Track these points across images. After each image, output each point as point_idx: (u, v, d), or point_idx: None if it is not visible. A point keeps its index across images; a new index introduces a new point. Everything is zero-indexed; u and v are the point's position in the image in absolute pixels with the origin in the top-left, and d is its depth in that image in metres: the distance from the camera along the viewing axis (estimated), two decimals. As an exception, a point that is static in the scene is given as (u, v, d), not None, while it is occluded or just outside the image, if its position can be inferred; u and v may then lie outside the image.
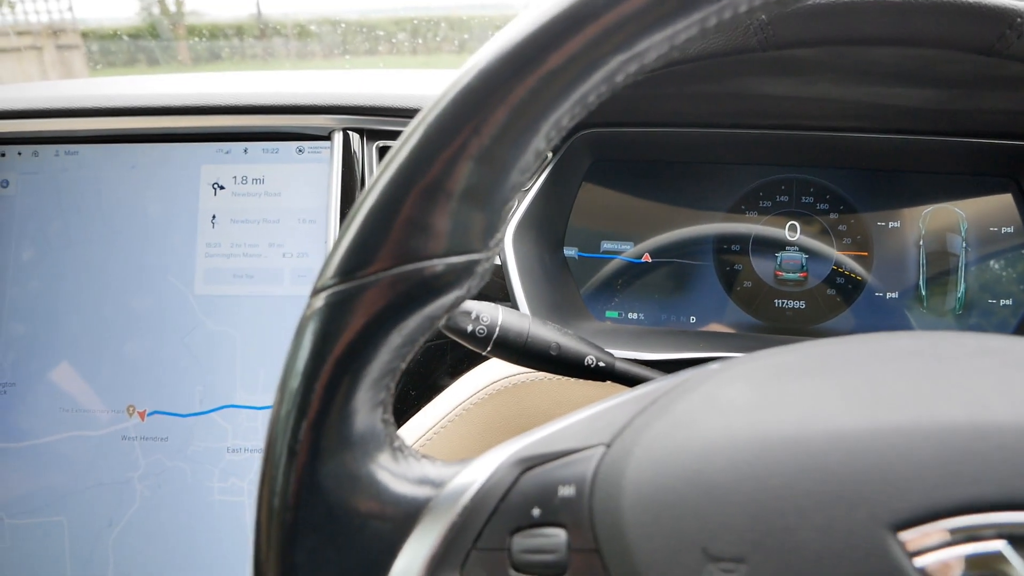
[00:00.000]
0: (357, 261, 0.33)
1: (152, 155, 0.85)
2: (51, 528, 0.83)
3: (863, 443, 0.28)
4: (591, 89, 0.34)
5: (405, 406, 0.81)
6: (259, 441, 0.81)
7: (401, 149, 0.33)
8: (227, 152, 0.84)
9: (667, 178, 0.83)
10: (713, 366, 0.37)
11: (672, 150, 0.82)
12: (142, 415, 0.82)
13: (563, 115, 0.34)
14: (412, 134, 0.33)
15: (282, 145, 0.83)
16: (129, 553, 0.81)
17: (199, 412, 0.82)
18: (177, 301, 0.83)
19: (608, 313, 0.84)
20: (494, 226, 0.34)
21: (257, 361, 0.82)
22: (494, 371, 0.75)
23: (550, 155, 0.80)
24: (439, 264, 0.33)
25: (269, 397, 0.82)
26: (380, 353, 0.34)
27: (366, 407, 0.34)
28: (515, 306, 0.75)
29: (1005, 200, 0.78)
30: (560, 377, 0.73)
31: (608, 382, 0.73)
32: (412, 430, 0.73)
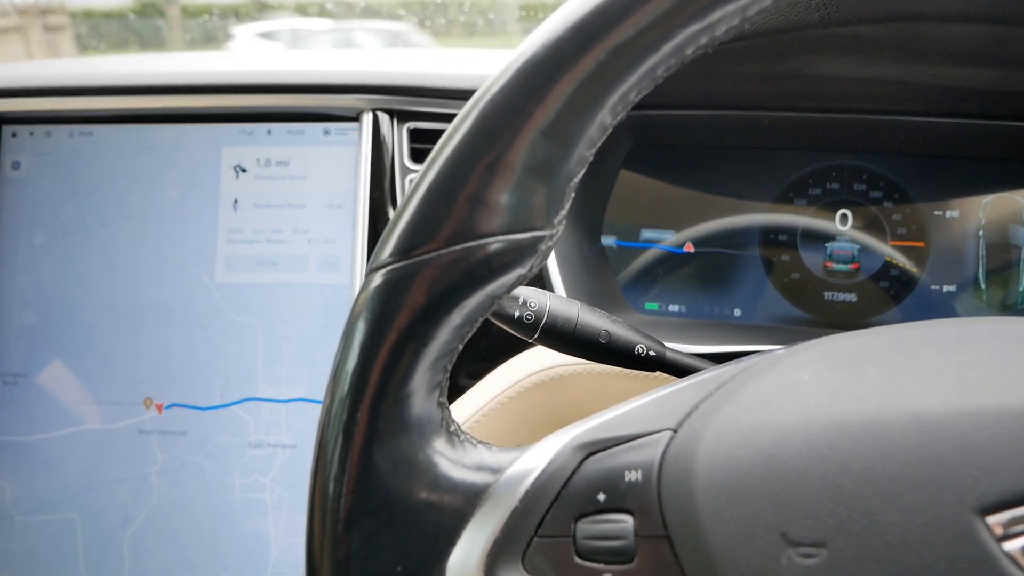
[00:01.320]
0: (418, 238, 0.34)
1: (171, 136, 0.86)
2: (63, 526, 0.84)
3: (947, 425, 0.29)
4: (660, 62, 0.35)
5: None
6: (283, 436, 0.82)
7: (463, 122, 0.34)
8: (250, 133, 0.85)
9: (711, 164, 0.84)
10: (779, 351, 0.38)
11: (717, 134, 0.83)
12: (160, 408, 0.84)
13: (631, 88, 0.35)
14: (475, 107, 0.34)
15: (308, 126, 0.85)
16: (145, 552, 0.83)
17: (220, 405, 0.83)
18: (197, 289, 0.84)
19: (648, 305, 0.85)
20: (558, 202, 0.35)
21: (281, 352, 0.83)
22: (529, 364, 0.76)
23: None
24: (502, 241, 0.34)
25: (294, 390, 0.84)
26: (440, 333, 0.35)
27: (423, 389, 0.35)
28: (553, 296, 0.76)
29: (1071, 189, 0.78)
30: (597, 371, 0.75)
31: (645, 377, 0.74)
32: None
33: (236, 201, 0.85)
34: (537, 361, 0.75)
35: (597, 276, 0.83)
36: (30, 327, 0.87)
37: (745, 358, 0.39)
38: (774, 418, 0.32)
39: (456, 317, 0.35)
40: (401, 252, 0.34)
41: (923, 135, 0.78)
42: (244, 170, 0.85)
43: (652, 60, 0.34)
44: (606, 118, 0.35)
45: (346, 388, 0.35)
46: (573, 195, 0.36)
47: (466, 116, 0.35)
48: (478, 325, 0.37)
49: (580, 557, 0.33)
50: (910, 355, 0.33)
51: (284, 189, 0.84)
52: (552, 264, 0.77)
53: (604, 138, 0.36)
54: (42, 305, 0.87)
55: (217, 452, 0.83)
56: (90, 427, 0.85)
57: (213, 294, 0.84)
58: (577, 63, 0.33)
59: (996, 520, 0.27)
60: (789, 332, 0.81)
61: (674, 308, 0.84)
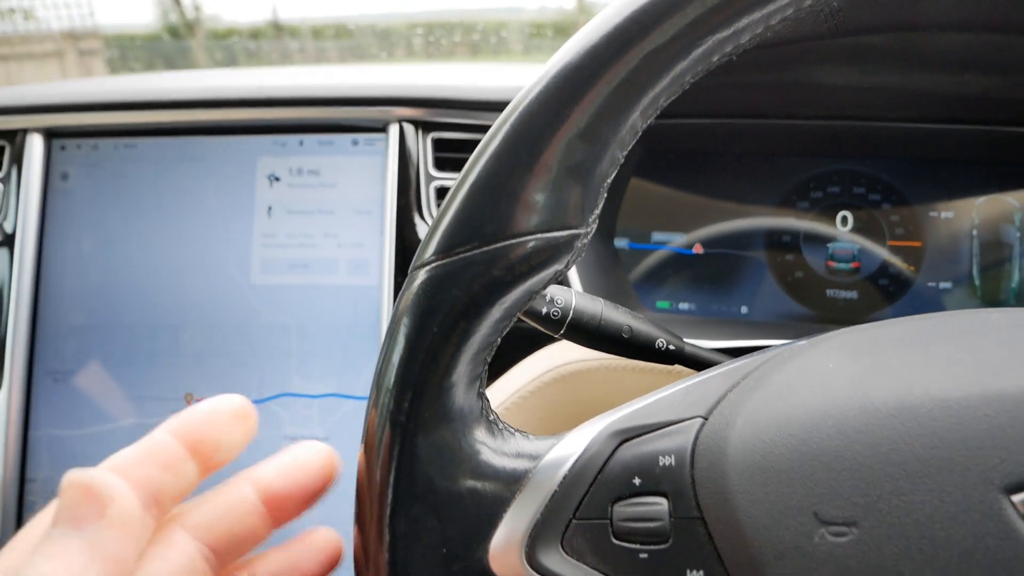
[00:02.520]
0: (460, 236, 0.34)
1: (209, 148, 0.86)
2: (110, 514, 0.84)
3: (972, 409, 0.29)
4: (688, 67, 0.34)
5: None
6: (315, 429, 0.82)
7: (503, 126, 0.34)
8: (283, 144, 0.85)
9: (718, 170, 0.84)
10: (801, 342, 0.37)
11: (724, 141, 0.82)
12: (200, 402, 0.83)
13: (661, 93, 0.34)
14: (515, 111, 0.34)
15: (337, 137, 0.85)
16: (187, 538, 0.83)
17: (256, 400, 0.83)
18: (233, 291, 0.84)
19: (659, 303, 0.84)
20: (593, 201, 0.35)
21: (313, 350, 0.83)
22: (549, 359, 0.75)
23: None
24: (541, 239, 0.34)
25: (325, 385, 0.84)
26: (481, 326, 0.35)
27: (465, 380, 0.35)
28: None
29: (1060, 190, 0.78)
30: (614, 365, 0.74)
31: (661, 371, 0.73)
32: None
33: (270, 208, 0.85)
34: (556, 356, 0.75)
35: (611, 276, 0.82)
36: (78, 327, 0.87)
37: (766, 350, 0.38)
38: (803, 404, 0.32)
39: (496, 311, 0.35)
40: (444, 250, 0.34)
41: (919, 140, 0.77)
42: (278, 179, 0.85)
43: (682, 66, 0.34)
44: (638, 122, 0.35)
45: (392, 379, 0.35)
46: (606, 194, 0.36)
47: (506, 120, 0.34)
48: (515, 319, 0.37)
49: (617, 539, 0.33)
50: (925, 344, 0.33)
51: (315, 196, 0.84)
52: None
53: (635, 140, 0.35)
54: (89, 307, 0.87)
55: (254, 444, 0.82)
56: (133, 422, 0.85)
57: (249, 295, 0.84)
58: (612, 68, 0.33)
59: (1021, 498, 0.27)
60: (793, 328, 0.80)
61: (684, 306, 0.84)
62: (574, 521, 0.34)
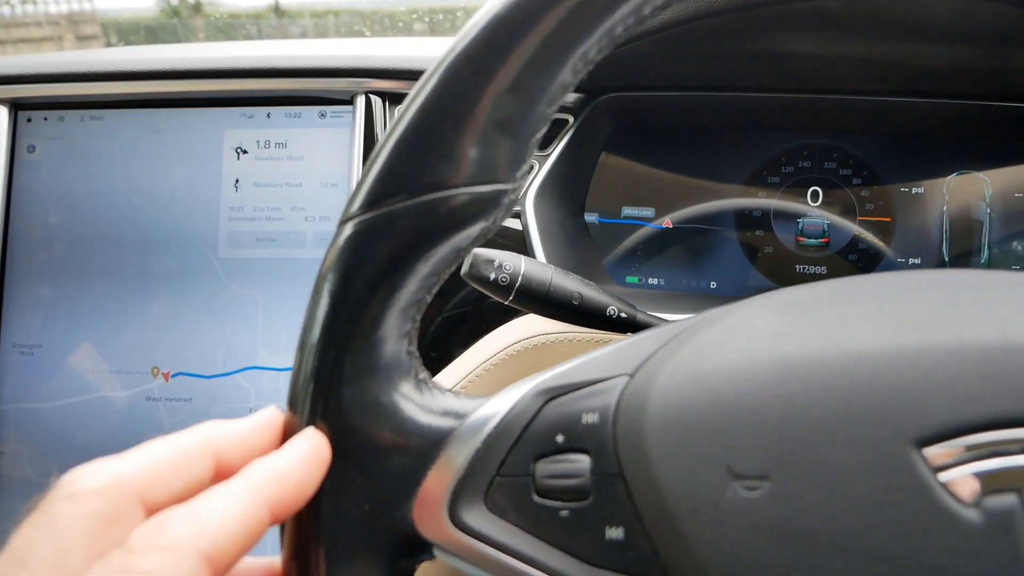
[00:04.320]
0: (385, 190, 0.34)
1: (176, 120, 0.86)
2: (77, 488, 0.84)
3: (888, 362, 0.28)
4: (619, 20, 0.34)
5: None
6: (282, 402, 0.81)
7: (430, 79, 0.34)
8: (250, 117, 0.84)
9: (689, 144, 0.83)
10: (741, 301, 0.37)
11: (693, 115, 0.82)
12: (166, 376, 0.83)
13: (591, 47, 0.34)
14: (441, 64, 0.34)
15: (304, 109, 0.84)
16: (153, 512, 0.82)
17: (222, 373, 0.83)
18: (201, 264, 0.84)
19: (629, 278, 0.84)
20: (521, 157, 0.35)
21: (279, 323, 0.82)
22: (512, 333, 0.75)
23: (571, 119, 0.80)
24: (466, 193, 0.33)
25: (291, 359, 0.83)
26: (408, 282, 0.34)
27: (392, 336, 0.35)
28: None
29: (1031, 166, 0.77)
30: (579, 338, 0.74)
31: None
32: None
33: (237, 181, 0.84)
34: (522, 329, 0.75)
35: (580, 251, 0.82)
36: (45, 301, 0.86)
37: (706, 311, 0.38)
38: (724, 360, 0.31)
39: (423, 267, 0.34)
40: (369, 204, 0.34)
41: (889, 114, 0.77)
42: (245, 151, 0.84)
43: (611, 19, 0.33)
44: (567, 77, 0.34)
45: (316, 335, 0.34)
46: (536, 151, 0.35)
47: (433, 73, 0.34)
48: (445, 277, 0.36)
49: (539, 495, 0.32)
50: (856, 301, 0.33)
51: (282, 169, 0.84)
52: (536, 238, 0.76)
53: (566, 95, 0.35)
54: (56, 280, 0.86)
55: (220, 417, 0.81)
56: (101, 395, 0.85)
57: (216, 269, 0.83)
58: (539, 21, 0.32)
59: (932, 452, 0.27)
60: (762, 303, 0.80)
61: (654, 281, 0.84)
62: (497, 478, 0.33)
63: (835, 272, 0.80)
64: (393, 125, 0.34)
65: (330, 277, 0.34)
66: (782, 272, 0.81)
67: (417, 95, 0.34)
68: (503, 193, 0.34)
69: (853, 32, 0.62)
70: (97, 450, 0.83)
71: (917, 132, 0.78)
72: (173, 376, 0.83)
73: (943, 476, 0.27)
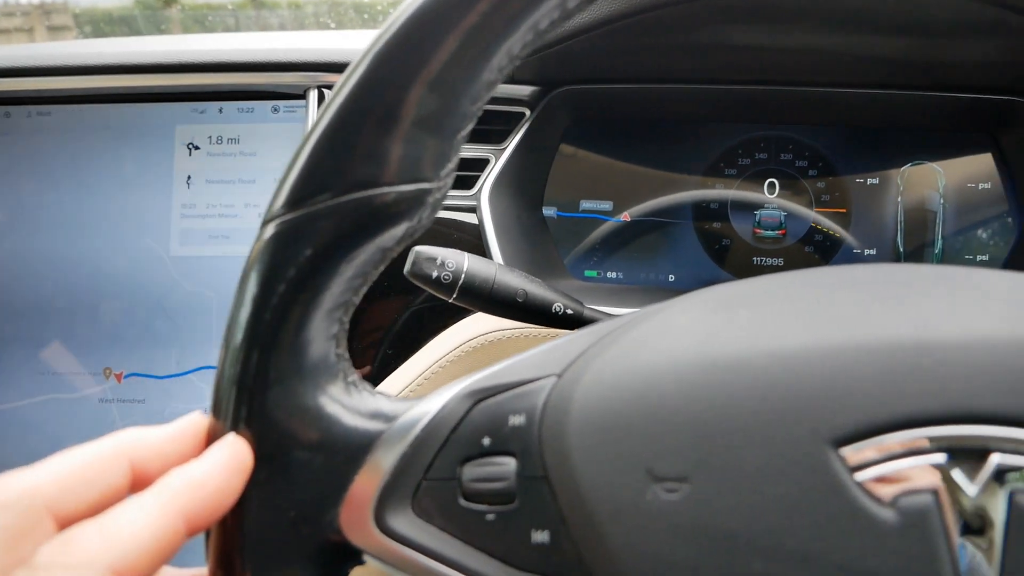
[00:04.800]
0: (306, 190, 0.33)
1: (126, 115, 0.84)
2: (30, 491, 0.83)
3: (806, 361, 0.28)
4: (544, 15, 0.33)
5: (383, 366, 0.81)
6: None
7: (351, 75, 0.33)
8: (202, 112, 0.83)
9: (646, 136, 0.83)
10: (674, 299, 0.37)
11: (650, 107, 0.81)
12: (119, 377, 0.82)
13: (515, 43, 0.33)
14: (362, 60, 0.33)
15: (257, 104, 0.83)
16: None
17: (176, 374, 0.82)
18: (153, 262, 0.83)
19: (587, 272, 0.84)
20: (445, 155, 0.34)
21: (233, 321, 0.81)
22: (468, 329, 0.74)
23: (527, 112, 0.80)
24: (389, 192, 0.33)
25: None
26: (331, 284, 0.34)
27: (318, 339, 0.34)
28: (491, 264, 0.74)
29: (983, 157, 0.78)
30: (534, 334, 0.74)
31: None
32: (388, 388, 0.73)
33: (189, 177, 0.83)
34: (476, 327, 0.74)
35: (537, 246, 0.81)
36: (-6, 301, 0.85)
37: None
38: (647, 360, 0.31)
39: (347, 269, 0.34)
40: (291, 204, 0.33)
41: (844, 105, 0.77)
42: (197, 147, 0.83)
43: (535, 14, 0.33)
44: (492, 74, 0.34)
45: (239, 338, 0.34)
46: (462, 149, 0.35)
47: (354, 70, 0.33)
48: (374, 277, 0.36)
49: (465, 499, 0.32)
50: (782, 298, 0.32)
51: (235, 165, 0.83)
52: (491, 233, 0.75)
53: (491, 93, 0.34)
54: (4, 279, 0.85)
55: (174, 418, 0.79)
56: (53, 397, 0.83)
57: (168, 267, 0.82)
58: (460, 17, 0.32)
59: (849, 452, 0.27)
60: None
61: (612, 275, 0.83)
62: (424, 482, 0.33)
63: (792, 264, 0.80)
64: (315, 123, 0.34)
65: (252, 279, 0.34)
66: (740, 264, 0.81)
67: (338, 92, 0.33)
68: (427, 192, 0.34)
69: (801, 24, 0.61)
70: (47, 454, 0.82)
71: (871, 123, 0.78)
72: (126, 377, 0.82)
73: (860, 476, 0.26)
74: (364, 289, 0.35)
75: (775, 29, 0.63)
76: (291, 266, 0.33)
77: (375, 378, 0.81)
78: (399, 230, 0.34)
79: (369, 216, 0.33)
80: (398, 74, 0.32)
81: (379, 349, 0.81)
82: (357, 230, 0.33)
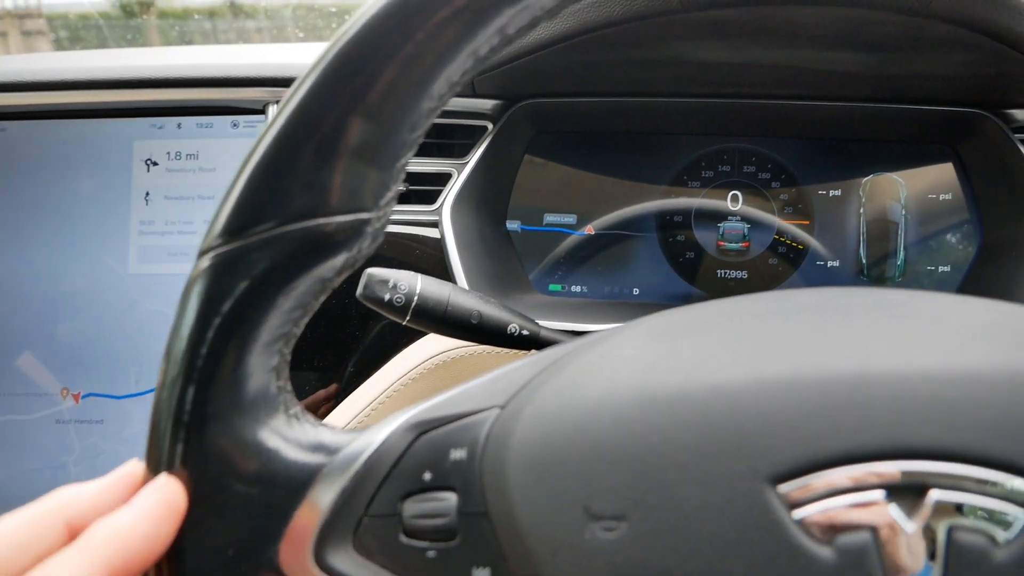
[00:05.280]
0: (242, 221, 0.32)
1: (83, 131, 0.83)
2: (-14, 514, 0.81)
3: (744, 395, 0.28)
4: (482, 42, 0.33)
5: (345, 384, 0.80)
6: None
7: (288, 104, 0.32)
8: (160, 127, 0.82)
9: (610, 149, 0.83)
10: (620, 326, 0.36)
11: (613, 120, 0.81)
12: (76, 397, 0.81)
13: (454, 70, 0.33)
14: (299, 88, 0.32)
15: (216, 119, 0.82)
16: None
17: (135, 393, 0.81)
18: (111, 280, 0.81)
19: (552, 286, 0.83)
20: (385, 185, 0.33)
21: (193, 340, 0.80)
22: (431, 346, 0.74)
23: (490, 126, 0.79)
24: (326, 223, 0.32)
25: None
26: (269, 317, 0.33)
27: (257, 372, 0.33)
28: (453, 282, 0.74)
29: (944, 168, 0.78)
30: (496, 351, 0.73)
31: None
32: (348, 408, 0.72)
33: (148, 194, 0.82)
34: (437, 344, 0.74)
35: (501, 261, 0.81)
36: (-51, 321, 0.83)
37: (592, 334, 0.37)
38: (587, 393, 0.30)
39: (284, 301, 0.33)
40: (226, 235, 0.32)
41: (806, 118, 0.77)
42: (155, 163, 0.82)
43: (473, 42, 0.32)
44: (431, 102, 0.33)
45: (174, 374, 0.33)
46: (403, 177, 0.34)
47: (291, 96, 0.33)
48: (315, 308, 0.35)
49: (407, 535, 0.31)
50: (726, 327, 0.32)
51: (194, 181, 0.81)
52: (453, 249, 0.75)
53: (431, 121, 0.34)
54: (-40, 300, 0.83)
55: (134, 439, 0.80)
56: (7, 418, 0.82)
57: (127, 285, 0.81)
58: (395, 46, 0.31)
59: (787, 488, 0.26)
60: (684, 309, 0.80)
61: (577, 289, 0.83)
62: (365, 518, 0.32)
63: (756, 276, 0.80)
64: (250, 153, 0.33)
65: (187, 312, 0.33)
66: (704, 277, 0.81)
67: (274, 123, 0.33)
68: (366, 222, 0.33)
69: (757, 40, 0.61)
70: (3, 476, 0.81)
71: (833, 135, 0.78)
72: (84, 397, 0.81)
73: (798, 513, 0.26)
74: (305, 320, 0.35)
75: (732, 45, 0.62)
76: (227, 299, 0.32)
77: (344, 392, 0.81)
78: (338, 260, 0.33)
79: (307, 247, 0.32)
80: (333, 104, 0.32)
81: (345, 366, 0.80)
82: (294, 261, 0.32)
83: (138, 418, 0.80)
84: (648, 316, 0.36)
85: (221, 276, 0.32)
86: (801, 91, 0.74)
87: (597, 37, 0.62)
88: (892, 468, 0.26)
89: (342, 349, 0.81)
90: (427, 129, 0.34)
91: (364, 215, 0.33)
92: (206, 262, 0.33)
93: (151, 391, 0.80)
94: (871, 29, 0.57)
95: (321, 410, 0.83)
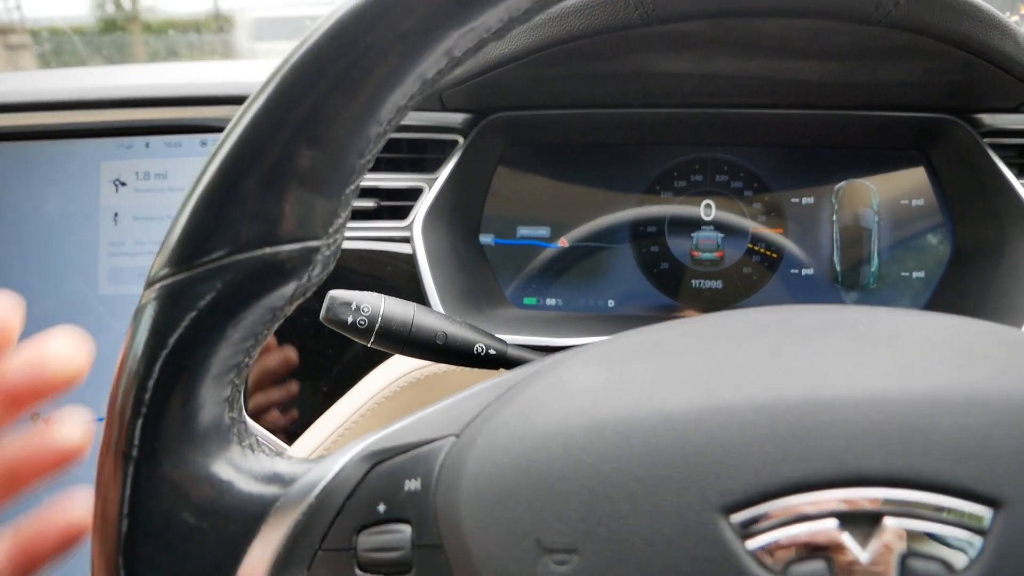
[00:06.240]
0: (188, 251, 0.32)
1: (50, 152, 0.82)
2: (-42, 542, 0.80)
3: (694, 423, 0.27)
4: (429, 66, 0.32)
5: (317, 402, 0.80)
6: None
7: (232, 131, 0.32)
8: (128, 147, 0.81)
9: (582, 161, 0.82)
10: (577, 349, 0.36)
11: (584, 132, 0.81)
12: (47, 422, 0.80)
13: (401, 95, 0.32)
14: (244, 115, 0.32)
15: (185, 138, 0.81)
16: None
17: (107, 417, 0.80)
18: (80, 303, 0.80)
19: (526, 300, 0.83)
20: (334, 212, 0.33)
21: (165, 362, 0.79)
22: (405, 363, 0.73)
23: (460, 140, 0.79)
24: (275, 252, 0.32)
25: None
26: (218, 348, 0.32)
27: (208, 405, 0.33)
28: (426, 298, 0.73)
29: (916, 173, 0.78)
30: (471, 368, 0.72)
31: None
32: (320, 428, 0.71)
33: (116, 215, 0.81)
34: (409, 362, 0.73)
35: (474, 275, 0.80)
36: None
37: (548, 357, 0.37)
38: (539, 422, 0.30)
39: (234, 332, 0.32)
40: (172, 266, 0.32)
41: (775, 127, 0.77)
42: (124, 183, 0.81)
43: (419, 66, 0.32)
44: (378, 127, 0.32)
45: (120, 408, 0.32)
46: (351, 204, 0.34)
47: (236, 123, 0.32)
48: (266, 337, 0.34)
49: (361, 569, 0.31)
50: (680, 351, 0.32)
51: (164, 201, 0.81)
52: (424, 265, 0.74)
53: (379, 147, 0.33)
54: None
55: (106, 463, 0.79)
56: (-21, 444, 0.80)
57: (97, 307, 0.80)
58: (338, 71, 0.31)
59: (739, 518, 0.26)
60: (660, 320, 0.79)
61: (551, 302, 0.83)
62: (320, 552, 0.32)
63: (730, 285, 0.80)
64: (195, 181, 0.32)
65: (134, 346, 0.32)
66: (678, 288, 0.81)
67: (219, 149, 0.32)
68: (315, 250, 0.32)
69: (722, 51, 0.61)
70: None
71: (803, 143, 0.78)
72: (55, 421, 0.80)
73: (751, 544, 0.26)
74: (257, 350, 0.34)
75: (697, 56, 0.62)
76: (174, 331, 0.32)
77: (316, 413, 0.80)
78: (288, 289, 0.33)
79: (255, 276, 0.32)
80: (278, 132, 0.31)
81: (319, 385, 0.79)
82: (243, 291, 0.32)
83: (110, 442, 0.79)
84: (605, 339, 0.35)
85: (168, 307, 0.32)
86: (770, 100, 0.74)
87: (561, 51, 0.62)
88: (844, 495, 0.25)
89: (314, 368, 0.80)
90: (376, 154, 0.33)
91: (313, 243, 0.32)
92: (152, 293, 0.32)
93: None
94: (832, 39, 0.57)
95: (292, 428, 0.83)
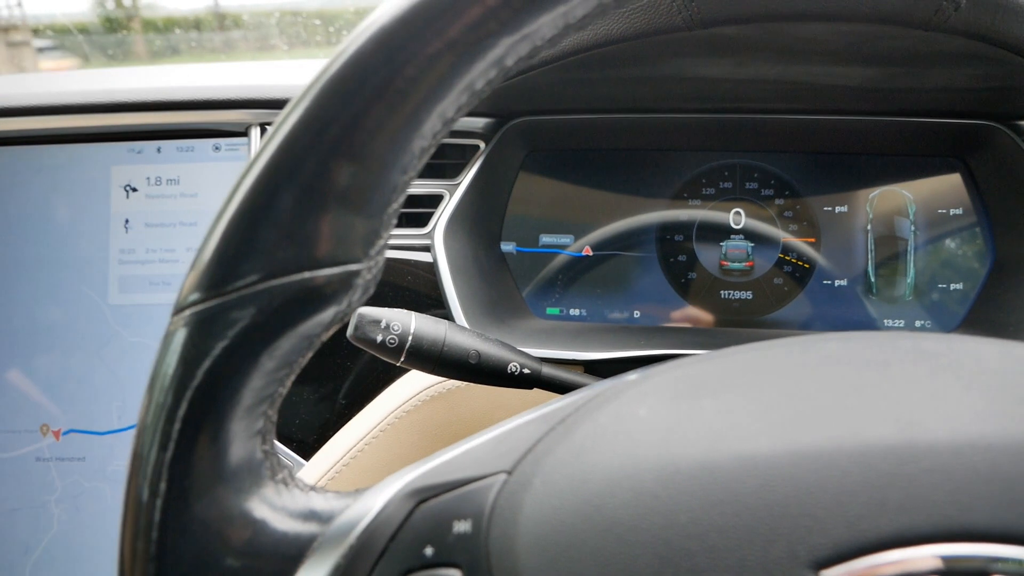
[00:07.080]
0: (220, 275, 0.29)
1: (59, 157, 0.80)
2: (-36, 558, 0.78)
3: (779, 469, 0.25)
4: (478, 75, 0.30)
5: (333, 415, 0.78)
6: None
7: (267, 146, 0.30)
8: (139, 152, 0.79)
9: (606, 167, 0.80)
10: (630, 376, 0.34)
11: (610, 137, 0.79)
12: (56, 435, 0.78)
13: (447, 106, 0.30)
14: (279, 129, 0.30)
15: (197, 143, 0.79)
16: (48, 582, 0.77)
17: (118, 429, 0.78)
18: (90, 312, 0.78)
19: (549, 310, 0.81)
20: (375, 232, 0.31)
21: (177, 373, 0.77)
22: (424, 377, 0.71)
23: (482, 145, 0.77)
24: (312, 277, 0.29)
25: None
26: (251, 379, 0.30)
27: (240, 439, 0.31)
28: (448, 308, 0.71)
29: (953, 181, 0.76)
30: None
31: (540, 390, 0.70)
32: (338, 445, 0.69)
33: (127, 221, 0.79)
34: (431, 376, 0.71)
35: (496, 284, 0.78)
36: (-78, 357, 0.80)
37: (598, 384, 0.35)
38: (602, 463, 0.28)
39: (268, 362, 0.30)
40: (205, 289, 0.30)
41: (809, 133, 0.75)
42: (134, 189, 0.79)
43: (468, 75, 0.30)
44: (423, 141, 0.30)
45: (151, 442, 0.30)
46: (394, 224, 0.31)
47: (271, 138, 0.30)
48: (301, 366, 0.32)
49: None
50: (749, 384, 0.29)
51: (175, 207, 0.79)
52: (446, 275, 0.72)
53: (424, 161, 0.31)
54: (-67, 334, 0.80)
55: (117, 476, 0.77)
56: (-14, 457, 0.79)
57: (107, 316, 0.78)
58: (383, 81, 0.29)
59: (833, 574, 0.24)
60: (687, 333, 0.77)
61: (575, 312, 0.80)
62: None
63: (761, 296, 0.78)
64: (228, 198, 0.30)
65: (161, 378, 0.30)
66: (706, 298, 0.79)
67: (254, 164, 0.30)
68: (355, 274, 0.30)
69: (761, 56, 0.59)
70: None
71: (837, 149, 0.76)
72: (64, 434, 0.78)
73: (844, 603, 0.23)
74: (292, 378, 0.32)
75: (736, 61, 0.60)
76: (204, 361, 0.29)
77: (336, 424, 0.78)
78: (326, 315, 0.30)
79: (292, 303, 0.29)
80: (316, 147, 0.29)
81: (335, 399, 0.77)
82: (279, 319, 0.30)
83: (120, 455, 0.77)
84: (661, 366, 0.33)
85: (198, 336, 0.30)
86: (804, 105, 0.72)
87: (594, 55, 0.60)
88: (948, 551, 0.23)
89: (330, 380, 0.78)
90: (420, 170, 0.31)
91: (354, 266, 0.30)
92: (181, 320, 0.30)
93: (134, 426, 0.77)
94: (882, 43, 0.55)
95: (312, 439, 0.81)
